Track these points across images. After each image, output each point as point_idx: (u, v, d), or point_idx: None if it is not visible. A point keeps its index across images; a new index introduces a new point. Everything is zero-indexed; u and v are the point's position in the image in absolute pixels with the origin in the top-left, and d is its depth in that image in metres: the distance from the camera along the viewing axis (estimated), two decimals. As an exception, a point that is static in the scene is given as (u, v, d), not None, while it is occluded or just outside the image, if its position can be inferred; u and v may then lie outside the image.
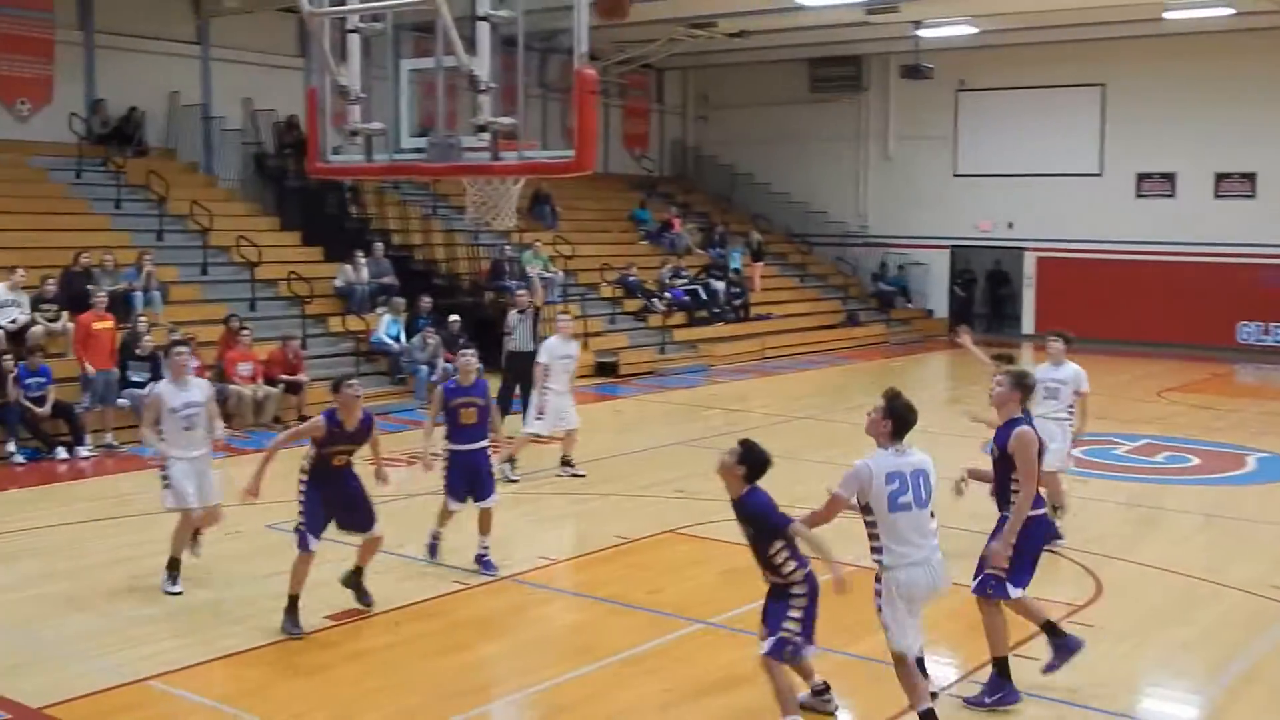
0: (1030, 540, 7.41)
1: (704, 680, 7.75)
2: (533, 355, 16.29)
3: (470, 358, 10.52)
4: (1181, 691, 7.88)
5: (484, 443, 10.19)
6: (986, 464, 7.79)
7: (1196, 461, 15.24)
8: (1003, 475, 7.50)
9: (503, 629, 8.72)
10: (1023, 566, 7.38)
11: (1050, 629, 7.59)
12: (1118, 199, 28.99)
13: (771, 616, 7.02)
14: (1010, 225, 30.52)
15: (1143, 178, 28.95)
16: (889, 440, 7.02)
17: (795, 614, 6.96)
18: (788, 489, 13.24)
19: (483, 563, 10.00)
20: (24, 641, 8.30)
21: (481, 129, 8.93)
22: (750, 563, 10.36)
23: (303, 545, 8.62)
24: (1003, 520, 7.46)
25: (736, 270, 28.07)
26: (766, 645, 6.92)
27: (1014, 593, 7.36)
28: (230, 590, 9.48)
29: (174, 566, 9.41)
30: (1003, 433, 7.51)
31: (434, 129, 9.46)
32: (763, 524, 6.98)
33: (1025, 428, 7.42)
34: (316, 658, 8.10)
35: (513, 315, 16.68)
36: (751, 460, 7.04)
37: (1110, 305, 28.58)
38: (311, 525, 8.70)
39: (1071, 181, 29.38)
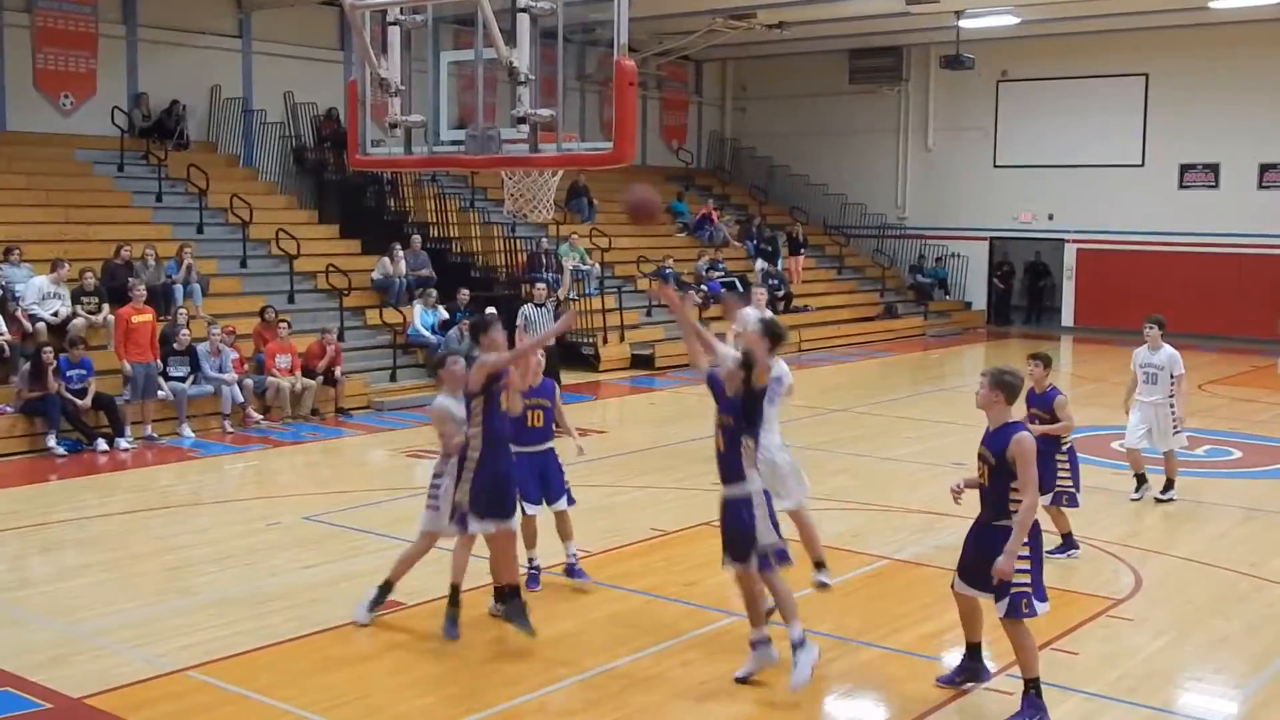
0: (1039, 549, 7.06)
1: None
2: (553, 348, 16.41)
3: (539, 358, 9.75)
4: (1222, 686, 7.80)
5: (551, 443, 9.40)
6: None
7: (1238, 455, 15.08)
8: (999, 484, 7.00)
9: (539, 621, 8.71)
10: (1040, 579, 7.00)
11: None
12: (1160, 190, 28.71)
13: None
14: (1050, 217, 30.29)
15: (1185, 169, 28.65)
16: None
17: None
18: (824, 480, 13.30)
19: (574, 572, 9.39)
20: (64, 631, 8.40)
21: (521, 121, 8.95)
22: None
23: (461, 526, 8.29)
24: (991, 530, 7.05)
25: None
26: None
27: (1042, 608, 6.95)
28: (270, 581, 9.55)
29: None
30: (997, 438, 7.02)
31: (473, 121, 9.48)
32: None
33: (1024, 433, 6.97)
34: (354, 649, 8.15)
35: (529, 308, 16.75)
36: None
37: (1151, 297, 28.19)
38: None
39: (1113, 173, 29.12)
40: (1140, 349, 12.63)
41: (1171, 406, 12.33)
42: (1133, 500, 12.31)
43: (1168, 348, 12.44)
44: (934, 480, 12.97)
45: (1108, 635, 8.50)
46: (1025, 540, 6.88)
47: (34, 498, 12.61)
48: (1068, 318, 30.30)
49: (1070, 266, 30.38)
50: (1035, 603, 6.89)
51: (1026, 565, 6.89)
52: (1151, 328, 12.54)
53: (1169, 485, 12.40)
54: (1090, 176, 29.31)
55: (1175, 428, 12.37)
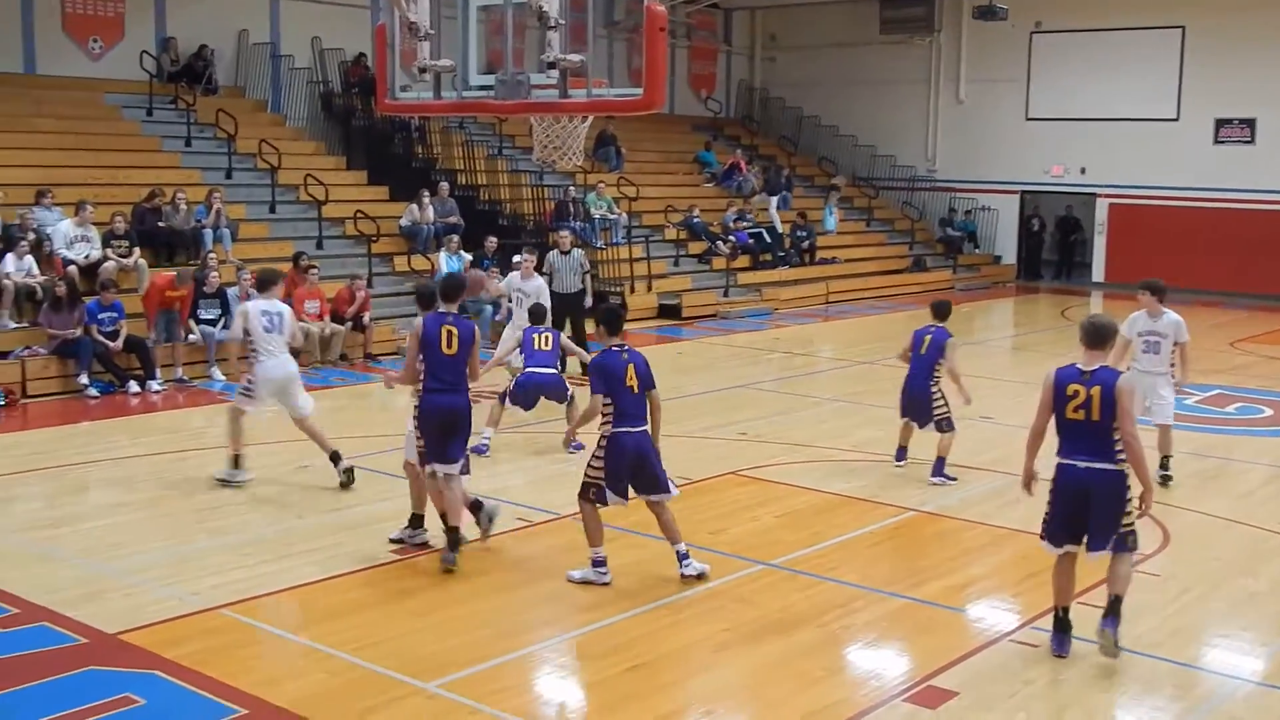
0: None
1: (763, 621, 7.78)
2: (579, 295, 16.43)
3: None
4: (1248, 643, 7.80)
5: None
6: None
7: (1269, 413, 14.99)
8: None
9: (564, 567, 8.78)
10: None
11: None
12: (1195, 145, 28.35)
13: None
14: (1083, 171, 30.00)
15: (1221, 123, 28.27)
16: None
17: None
18: (850, 432, 13.31)
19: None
20: (100, 569, 8.50)
21: (550, 66, 8.91)
22: (811, 505, 10.41)
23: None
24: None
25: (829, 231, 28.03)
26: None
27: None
28: (299, 523, 9.63)
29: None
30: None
31: (502, 66, 9.45)
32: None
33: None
34: (383, 590, 8.23)
35: (554, 255, 16.74)
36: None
37: (1184, 254, 28.04)
38: None
39: (1147, 127, 28.76)
40: (1138, 314, 11.20)
41: (1172, 378, 11.22)
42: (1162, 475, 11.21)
43: (1170, 313, 11.18)
44: (960, 434, 12.96)
45: (1134, 590, 8.46)
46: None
47: (67, 438, 12.74)
48: (1098, 273, 30.08)
49: (1102, 221, 30.12)
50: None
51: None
52: (1144, 293, 11.21)
53: (1167, 460, 11.27)
54: (1124, 130, 28.97)
55: (1172, 400, 11.25)
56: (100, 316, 14.90)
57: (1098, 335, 7.19)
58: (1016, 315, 26.47)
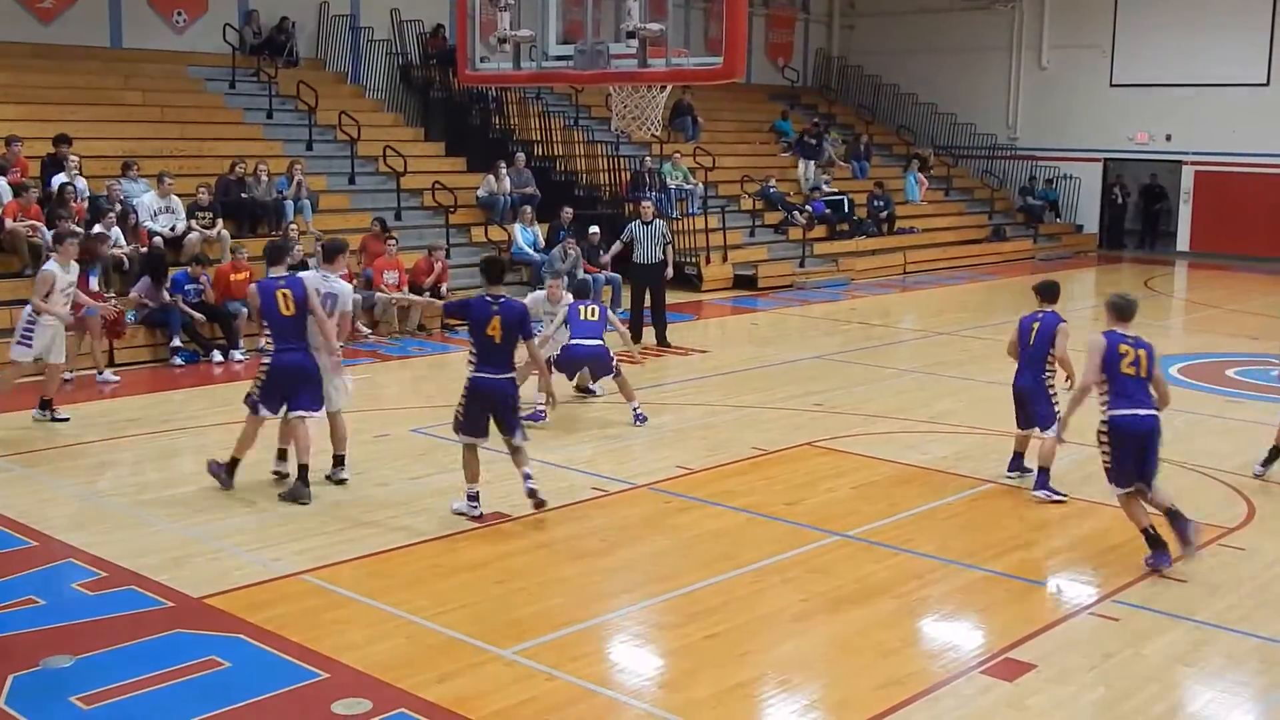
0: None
1: (840, 592, 7.77)
2: (660, 266, 16.43)
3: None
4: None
5: None
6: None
7: (1359, 385, 14.62)
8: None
9: (640, 535, 8.83)
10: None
11: None
12: (1285, 111, 27.66)
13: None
14: (1168, 138, 29.41)
15: (1315, 87, 27.56)
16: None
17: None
18: (929, 404, 13.22)
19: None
20: (185, 534, 8.68)
21: (630, 35, 8.89)
22: (888, 476, 10.36)
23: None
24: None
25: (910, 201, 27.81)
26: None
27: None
28: (379, 491, 9.76)
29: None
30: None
31: (581, 36, 9.44)
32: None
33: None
34: (460, 558, 8.32)
35: (635, 225, 16.73)
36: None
37: (1273, 222, 27.45)
38: None
39: (1236, 92, 28.10)
40: None
41: None
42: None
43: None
44: (1041, 405, 12.80)
45: (1218, 564, 8.37)
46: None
47: (154, 405, 12.99)
48: (1183, 242, 29.52)
49: (1187, 189, 29.52)
50: None
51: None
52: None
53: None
54: (1211, 96, 28.33)
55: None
56: (186, 288, 15.16)
57: (1129, 309, 8.30)
58: (1098, 285, 26.04)
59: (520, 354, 9.22)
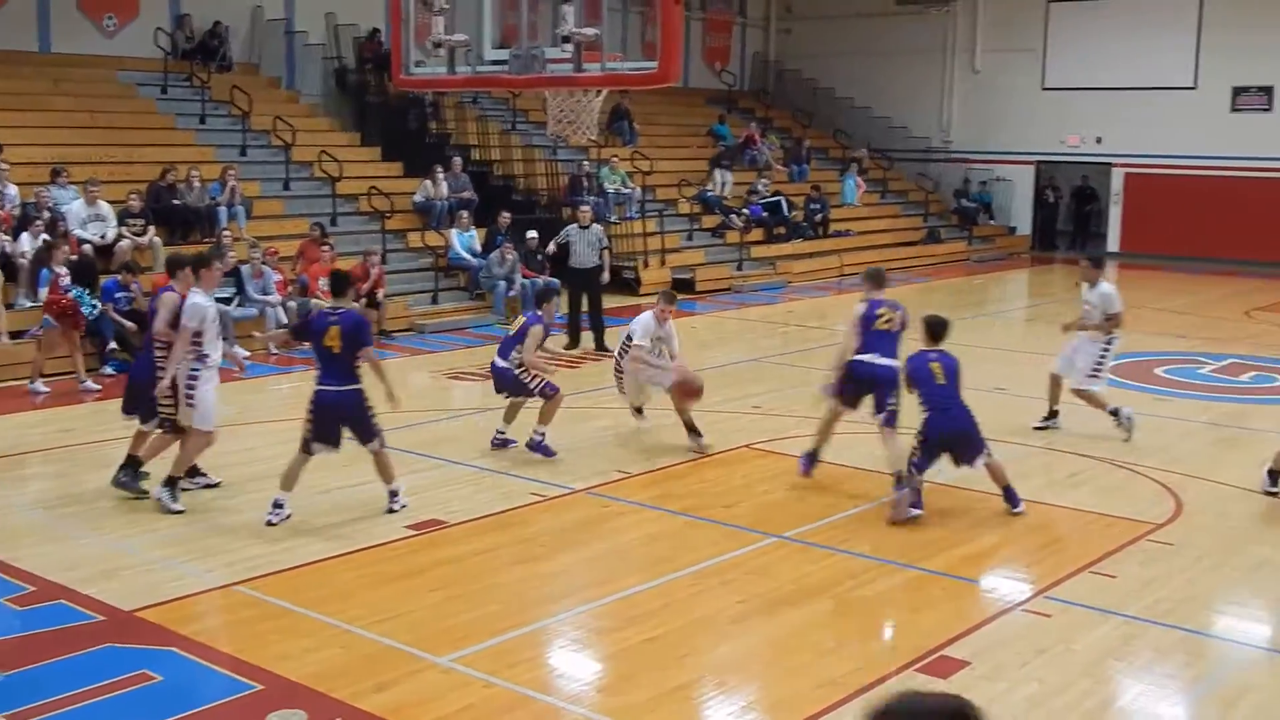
0: None
1: (777, 593, 7.81)
2: (597, 270, 16.45)
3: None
4: (1260, 610, 7.82)
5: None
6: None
7: (1285, 382, 14.93)
8: None
9: (579, 540, 8.83)
10: None
11: None
12: (1212, 113, 28.16)
13: None
14: (1099, 140, 29.83)
15: (1239, 91, 28.09)
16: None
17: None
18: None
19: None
20: (115, 547, 8.57)
21: (565, 40, 8.90)
22: (825, 477, 10.43)
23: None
24: None
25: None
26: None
27: None
28: (314, 499, 9.68)
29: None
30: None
31: (517, 41, 9.44)
32: None
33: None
34: (397, 566, 8.28)
35: (572, 230, 16.74)
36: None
37: (1200, 223, 27.94)
38: None
39: (1164, 95, 28.58)
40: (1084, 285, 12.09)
41: (1104, 347, 11.71)
42: (1034, 429, 11.93)
43: (1104, 284, 11.95)
44: (973, 406, 12.93)
45: (1146, 559, 8.51)
46: None
47: (83, 416, 12.80)
48: (1114, 243, 29.94)
49: (1118, 191, 29.98)
50: None
51: None
52: (1085, 263, 12.28)
53: (1115, 413, 11.58)
54: (1141, 99, 28.78)
55: (1096, 371, 11.72)
56: (117, 296, 14.95)
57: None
58: (1031, 286, 26.41)
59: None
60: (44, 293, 14.22)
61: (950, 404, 9.34)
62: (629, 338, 11.29)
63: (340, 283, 9.51)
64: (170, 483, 9.27)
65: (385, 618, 7.30)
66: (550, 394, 10.77)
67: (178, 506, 9.22)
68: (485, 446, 11.15)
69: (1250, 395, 14.14)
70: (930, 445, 9.32)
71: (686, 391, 11.01)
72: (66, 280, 14.16)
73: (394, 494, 9.28)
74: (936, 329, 9.58)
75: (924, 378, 9.36)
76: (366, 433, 9.12)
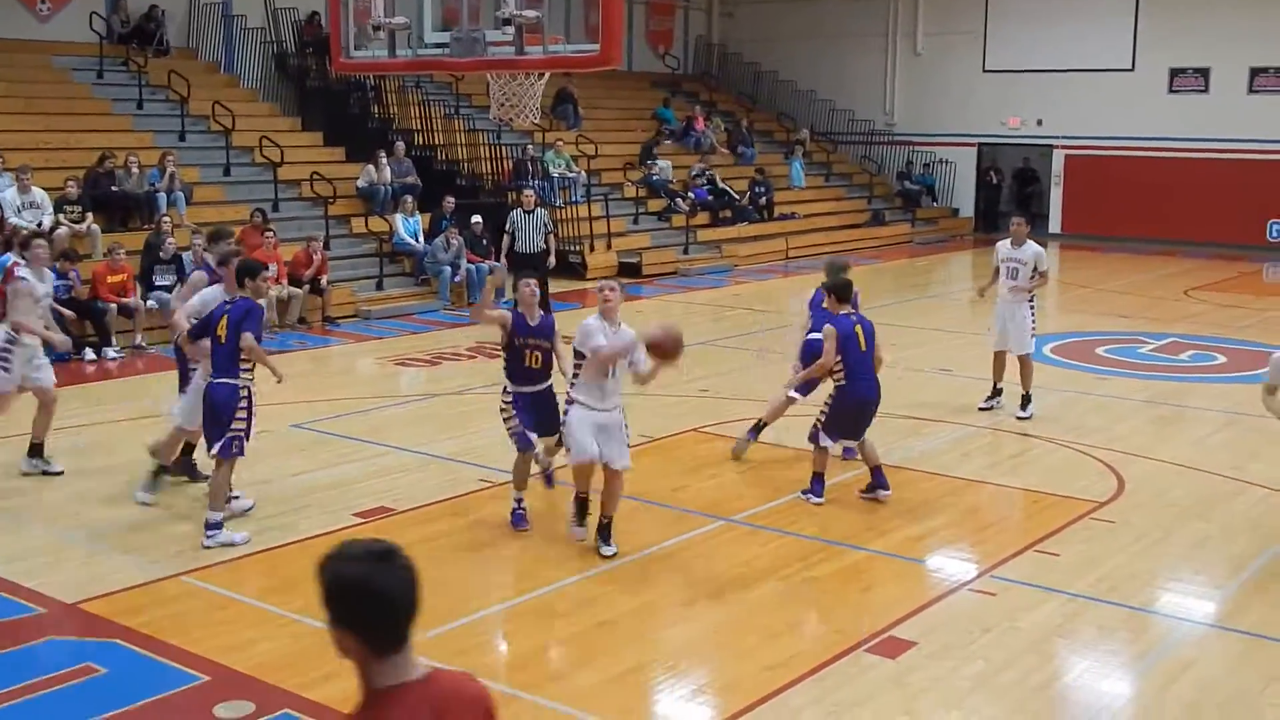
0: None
1: (725, 576, 7.84)
2: (543, 255, 16.40)
3: (533, 287, 8.80)
4: (1202, 587, 7.93)
5: (550, 381, 8.81)
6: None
7: (1222, 360, 15.18)
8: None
9: (529, 525, 8.80)
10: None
11: None
12: (1149, 95, 28.47)
13: None
14: (1040, 122, 30.09)
15: (1175, 73, 28.40)
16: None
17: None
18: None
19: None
20: (57, 538, 8.45)
21: (506, 22, 8.83)
22: (772, 460, 10.47)
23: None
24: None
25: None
26: None
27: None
28: (259, 488, 9.58)
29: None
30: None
31: (458, 23, 9.35)
32: None
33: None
34: (344, 554, 8.20)
35: (517, 214, 16.67)
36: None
37: (1139, 203, 28.26)
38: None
39: (1103, 77, 28.87)
40: (1003, 243, 12.24)
41: (1031, 307, 11.94)
42: (980, 409, 12.04)
43: (1032, 243, 12.06)
44: (919, 387, 13.07)
45: (1089, 537, 8.62)
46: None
47: (22, 407, 12.58)
48: (1055, 225, 30.23)
49: (1058, 173, 30.25)
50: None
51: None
52: (1018, 222, 12.24)
53: (1026, 400, 11.84)
54: (1080, 81, 29.06)
55: (1032, 329, 11.97)
56: (56, 284, 14.68)
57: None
58: (975, 268, 26.59)
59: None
60: (-2, 281, 13.77)
61: (868, 371, 9.28)
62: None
63: (241, 272, 8.68)
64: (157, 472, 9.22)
65: (333, 607, 7.24)
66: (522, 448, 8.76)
67: (149, 499, 9.13)
68: (438, 434, 11.09)
69: (1189, 374, 14.35)
70: (846, 414, 9.21)
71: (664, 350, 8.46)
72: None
73: (211, 526, 8.26)
74: (845, 291, 9.40)
75: (853, 344, 9.19)
76: (218, 433, 8.31)
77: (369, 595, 2.87)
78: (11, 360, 9.84)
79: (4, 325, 9.86)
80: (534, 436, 8.64)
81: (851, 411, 9.24)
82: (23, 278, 9.97)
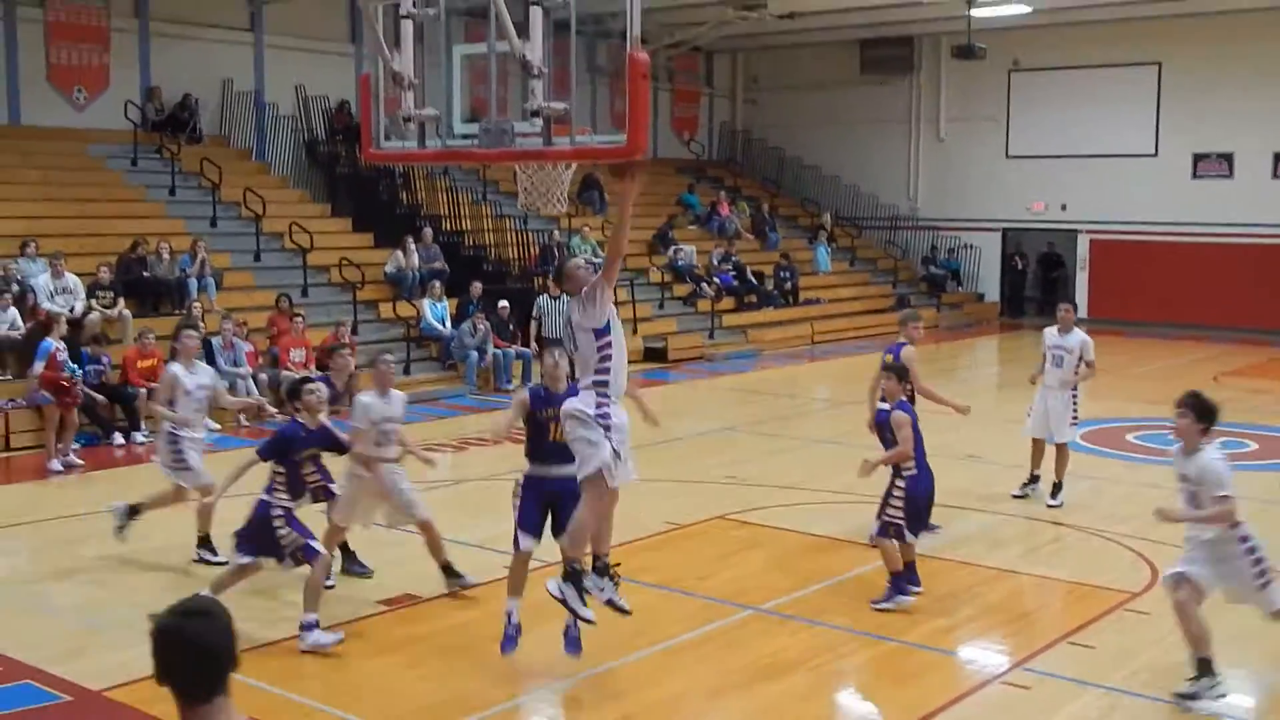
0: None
1: (754, 666, 7.75)
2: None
3: (559, 360, 8.14)
4: (1240, 680, 7.78)
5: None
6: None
7: (1253, 446, 15.04)
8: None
9: (553, 615, 8.71)
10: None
11: None
12: (1173, 180, 28.57)
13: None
14: (1063, 207, 30.18)
15: (1199, 158, 28.52)
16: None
17: None
18: (839, 475, 13.27)
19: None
20: (84, 624, 8.44)
21: (534, 114, 8.94)
22: (800, 548, 10.38)
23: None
24: None
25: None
26: None
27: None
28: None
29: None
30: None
31: (486, 115, 9.47)
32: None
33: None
34: (370, 643, 8.17)
35: (543, 300, 16.76)
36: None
37: (1165, 288, 28.23)
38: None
39: (1126, 162, 28.99)
40: (1050, 330, 12.41)
41: (1074, 396, 11.99)
42: (1014, 497, 12.02)
43: (1079, 331, 12.23)
44: (947, 474, 12.95)
45: (1124, 629, 8.50)
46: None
47: (52, 491, 12.66)
48: (1081, 309, 30.14)
49: (1083, 257, 30.28)
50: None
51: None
52: (1066, 309, 12.50)
53: (1057, 488, 11.82)
54: (1103, 166, 29.19)
55: (1073, 418, 12.02)
56: (87, 368, 14.84)
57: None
58: (1001, 353, 26.55)
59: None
60: (39, 366, 14.01)
61: (924, 460, 9.11)
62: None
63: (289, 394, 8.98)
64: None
65: (363, 695, 7.20)
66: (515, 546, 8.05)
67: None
68: (463, 519, 11.06)
69: (1220, 461, 14.17)
70: (921, 506, 8.94)
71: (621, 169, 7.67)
72: (64, 355, 14.05)
73: (306, 627, 7.98)
74: (904, 374, 9.54)
75: (919, 432, 8.99)
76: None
77: (180, 645, 3.10)
78: (185, 455, 10.08)
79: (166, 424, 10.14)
80: (528, 539, 7.78)
81: (925, 502, 8.99)
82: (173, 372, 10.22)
